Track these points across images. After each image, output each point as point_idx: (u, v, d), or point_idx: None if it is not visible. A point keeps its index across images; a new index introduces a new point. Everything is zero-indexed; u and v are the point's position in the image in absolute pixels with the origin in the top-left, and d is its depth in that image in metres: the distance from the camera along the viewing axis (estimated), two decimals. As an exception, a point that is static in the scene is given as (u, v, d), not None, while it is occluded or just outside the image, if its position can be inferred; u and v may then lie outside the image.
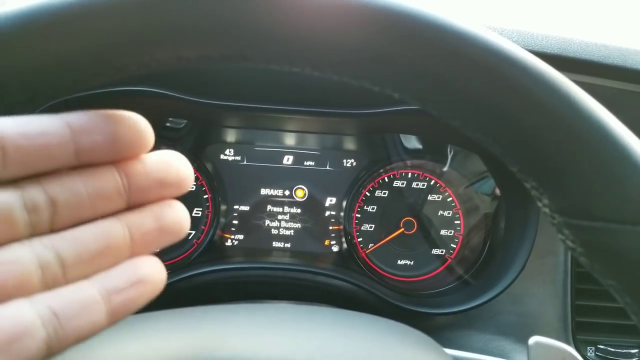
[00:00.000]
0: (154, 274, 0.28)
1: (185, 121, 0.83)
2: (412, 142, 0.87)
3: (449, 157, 0.86)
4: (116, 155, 0.28)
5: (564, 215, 0.30)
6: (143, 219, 0.29)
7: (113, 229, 0.28)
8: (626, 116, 0.65)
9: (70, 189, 0.27)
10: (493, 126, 0.30)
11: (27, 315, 0.24)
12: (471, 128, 0.31)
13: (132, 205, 0.29)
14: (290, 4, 0.26)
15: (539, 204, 0.32)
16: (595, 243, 0.29)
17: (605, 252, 0.30)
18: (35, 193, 0.26)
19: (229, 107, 0.70)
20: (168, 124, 0.83)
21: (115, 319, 0.27)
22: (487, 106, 0.29)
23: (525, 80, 0.28)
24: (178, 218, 0.30)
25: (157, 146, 0.89)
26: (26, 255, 0.25)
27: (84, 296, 0.26)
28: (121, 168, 0.29)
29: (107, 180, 0.28)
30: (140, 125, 0.28)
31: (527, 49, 0.53)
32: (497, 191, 0.83)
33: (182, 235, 0.30)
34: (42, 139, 0.25)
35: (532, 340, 0.46)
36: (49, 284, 0.26)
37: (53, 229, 0.27)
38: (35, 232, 0.26)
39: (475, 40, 0.27)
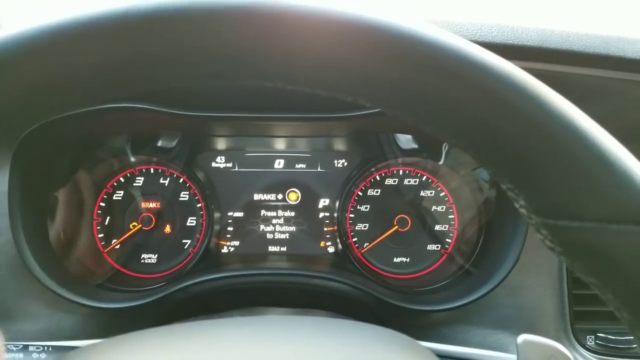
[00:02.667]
0: None
1: (176, 134, 0.83)
2: (404, 139, 0.87)
3: (444, 152, 0.85)
4: None
5: (541, 215, 0.30)
6: None
7: None
8: (610, 104, 0.65)
9: None
10: (466, 130, 0.30)
11: None
12: (445, 133, 0.31)
13: None
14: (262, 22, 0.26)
15: (516, 205, 0.32)
16: (573, 242, 0.29)
17: (583, 251, 0.30)
18: None
19: (219, 118, 0.71)
20: (160, 140, 0.84)
21: None
22: (459, 111, 0.29)
23: (495, 84, 0.28)
24: None
25: (149, 158, 0.89)
26: None
27: None
28: None
29: None
30: None
31: (507, 43, 0.53)
32: (489, 184, 0.83)
33: None
34: None
35: (521, 338, 0.46)
36: None
37: None
38: None
39: (443, 48, 0.27)
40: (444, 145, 0.85)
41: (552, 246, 0.31)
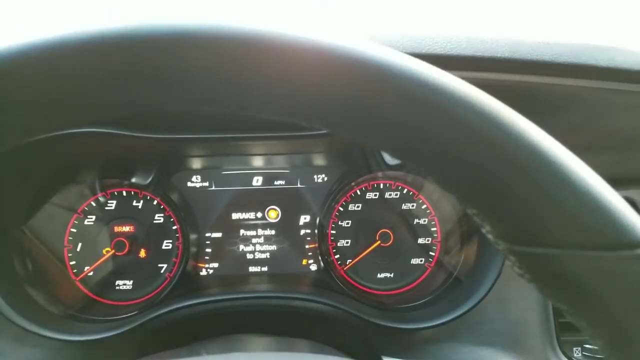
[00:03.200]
0: None
1: (151, 161, 0.81)
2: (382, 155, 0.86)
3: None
4: None
5: (507, 242, 0.29)
6: None
7: None
8: (585, 112, 0.64)
9: None
10: (427, 156, 0.29)
11: None
12: (404, 156, 0.30)
13: None
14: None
15: (483, 230, 0.30)
16: (541, 268, 0.28)
17: (552, 278, 0.28)
18: None
19: (193, 140, 0.69)
20: (135, 174, 0.81)
21: None
22: (417, 134, 0.28)
23: (451, 106, 0.26)
24: None
25: (121, 182, 0.85)
26: None
27: None
28: None
29: None
30: None
31: (478, 55, 0.52)
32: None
33: None
34: None
35: None
36: None
37: None
38: None
39: (390, 68, 0.26)
40: None
41: (521, 272, 0.29)
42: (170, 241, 0.84)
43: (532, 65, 0.56)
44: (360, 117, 0.28)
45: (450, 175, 0.29)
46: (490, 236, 0.30)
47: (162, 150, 0.76)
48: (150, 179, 0.79)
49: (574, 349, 0.73)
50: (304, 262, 0.88)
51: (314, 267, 0.88)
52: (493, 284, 0.71)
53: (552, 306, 0.73)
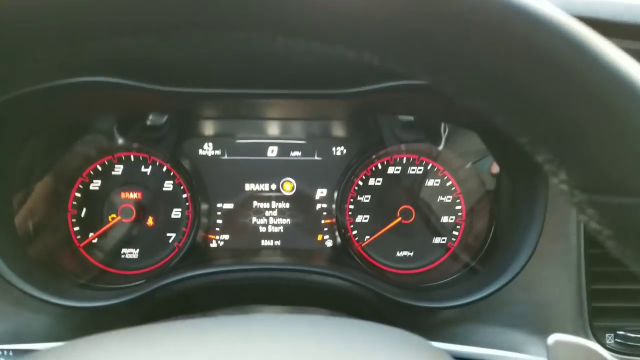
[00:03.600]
0: None
1: (162, 116, 0.76)
2: (405, 124, 0.81)
3: (444, 137, 0.79)
4: None
5: (587, 191, 0.24)
6: None
7: None
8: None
9: None
10: (497, 90, 0.25)
11: None
12: (473, 95, 0.26)
13: None
14: None
15: (555, 181, 0.26)
16: (627, 223, 0.24)
17: None
18: None
19: (207, 95, 0.63)
20: (149, 118, 0.76)
21: None
22: (490, 66, 0.23)
23: (534, 32, 0.22)
24: None
25: (129, 144, 0.79)
26: None
27: None
28: None
29: None
30: None
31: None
32: (498, 171, 0.77)
33: None
34: None
35: (552, 339, 0.40)
36: None
37: None
38: None
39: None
40: (443, 127, 0.79)
41: (600, 229, 0.25)
42: (180, 210, 0.79)
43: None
44: (431, 50, 0.24)
45: (527, 115, 0.25)
46: (564, 186, 0.26)
47: (172, 107, 0.71)
48: (159, 140, 0.74)
49: (607, 335, 0.68)
50: (319, 237, 0.84)
51: (329, 243, 0.83)
52: (524, 265, 0.66)
53: (586, 289, 0.69)
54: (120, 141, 0.77)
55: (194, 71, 0.61)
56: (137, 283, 0.72)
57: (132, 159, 0.78)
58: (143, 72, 0.59)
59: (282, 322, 0.35)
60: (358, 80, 0.63)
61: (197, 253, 0.80)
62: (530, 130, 0.26)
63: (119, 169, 0.78)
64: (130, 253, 0.79)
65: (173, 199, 0.79)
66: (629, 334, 0.68)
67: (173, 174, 0.79)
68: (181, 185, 0.79)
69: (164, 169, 0.79)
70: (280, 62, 0.62)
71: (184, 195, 0.79)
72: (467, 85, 0.26)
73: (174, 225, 0.79)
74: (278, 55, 0.61)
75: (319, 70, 0.63)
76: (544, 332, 0.68)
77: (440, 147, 0.80)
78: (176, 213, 0.79)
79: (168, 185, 0.79)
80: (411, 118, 0.79)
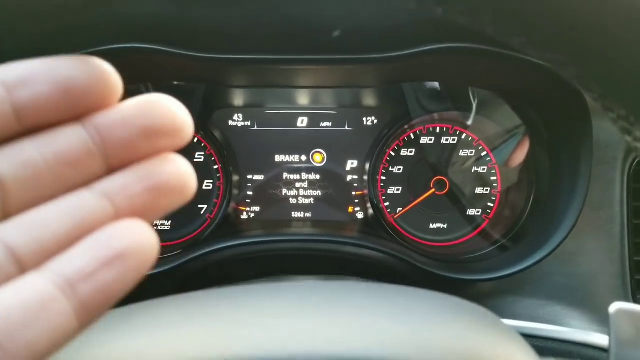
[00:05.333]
0: (137, 243, 0.20)
1: (189, 86, 0.75)
2: (437, 93, 0.78)
3: (475, 104, 0.76)
4: (75, 108, 0.21)
5: None
6: (126, 182, 0.21)
7: (85, 203, 0.21)
8: None
9: (20, 161, 0.20)
10: (571, 41, 0.22)
11: None
12: (544, 47, 0.24)
13: (115, 168, 0.22)
14: None
15: (628, 138, 0.24)
16: None
17: None
18: None
19: (235, 61, 0.62)
20: (170, 88, 0.76)
21: (91, 317, 0.20)
22: (565, 14, 0.21)
23: None
24: (176, 172, 0.22)
25: None
26: None
27: (32, 296, 0.18)
28: (88, 123, 0.21)
29: (71, 141, 0.21)
30: (99, 66, 0.21)
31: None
32: (534, 140, 0.75)
33: (188, 193, 0.23)
34: None
35: (614, 307, 0.39)
36: None
37: (7, 215, 0.20)
38: None
39: None
40: (473, 95, 0.76)
41: None
42: (211, 181, 0.79)
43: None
44: None
45: (598, 66, 0.23)
46: (637, 145, 0.24)
47: (206, 75, 0.69)
48: (191, 113, 0.73)
49: (652, 308, 0.66)
50: (350, 209, 0.83)
51: (360, 216, 0.82)
52: (565, 237, 0.64)
53: (629, 261, 0.66)
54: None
55: (230, 38, 0.59)
56: (171, 254, 0.72)
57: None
58: (179, 39, 0.58)
59: (360, 289, 0.34)
60: (386, 47, 0.60)
61: (229, 224, 0.80)
62: (604, 83, 0.24)
63: (149, 140, 0.78)
64: (162, 224, 0.79)
65: (204, 170, 0.79)
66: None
67: (204, 144, 0.78)
68: (212, 156, 0.79)
69: (195, 139, 0.78)
70: (309, 29, 0.60)
71: (215, 167, 0.79)
72: (546, 41, 0.24)
73: (206, 196, 0.79)
74: (314, 20, 0.59)
75: (354, 35, 0.61)
76: (585, 306, 0.67)
77: (472, 115, 0.77)
78: (207, 184, 0.79)
79: (199, 156, 0.79)
80: (440, 87, 0.76)
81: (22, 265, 0.19)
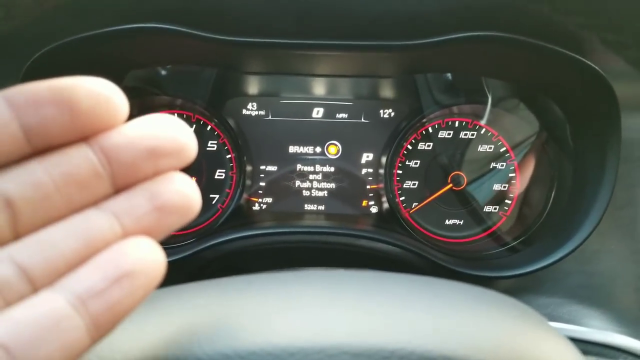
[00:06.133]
0: (145, 260, 0.21)
1: (202, 71, 0.73)
2: (451, 86, 0.76)
3: (489, 97, 0.74)
4: (82, 129, 0.22)
5: None
6: (133, 201, 0.22)
7: (93, 223, 0.21)
8: None
9: (30, 182, 0.20)
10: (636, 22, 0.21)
11: None
12: (607, 28, 0.22)
13: (121, 188, 0.23)
14: None
15: None
16: None
17: None
18: None
19: (253, 44, 0.60)
20: (182, 75, 0.74)
21: (102, 332, 0.20)
22: None
23: None
24: (181, 192, 0.23)
25: (172, 100, 0.76)
26: None
27: (46, 313, 0.19)
28: (95, 143, 0.22)
29: (78, 162, 0.22)
30: (105, 88, 0.22)
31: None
32: (556, 136, 0.73)
33: (192, 212, 0.23)
34: None
35: None
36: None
37: (17, 235, 0.21)
38: None
39: None
40: (487, 87, 0.74)
41: None
42: (224, 171, 0.77)
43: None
44: None
45: None
46: None
47: (222, 59, 0.67)
48: (205, 100, 0.71)
49: (674, 310, 0.65)
50: (364, 203, 0.81)
51: (374, 210, 0.81)
52: (588, 236, 0.63)
53: (653, 262, 0.65)
54: (165, 98, 0.75)
55: (248, 20, 0.57)
56: (183, 243, 0.70)
57: (176, 116, 0.76)
58: (196, 20, 0.56)
59: (392, 279, 0.32)
60: (406, 35, 0.59)
61: (241, 215, 0.78)
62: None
63: (162, 127, 0.76)
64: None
65: (217, 159, 0.77)
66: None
67: (217, 133, 0.77)
68: (225, 145, 0.77)
69: (208, 127, 0.76)
70: (326, 14, 0.58)
71: (228, 156, 0.77)
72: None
73: (218, 186, 0.77)
74: (338, 4, 0.57)
75: (367, 23, 0.59)
76: (607, 306, 0.65)
77: (487, 110, 0.76)
78: (220, 174, 0.77)
79: (212, 145, 0.77)
80: (454, 79, 0.74)
81: (34, 283, 0.20)
